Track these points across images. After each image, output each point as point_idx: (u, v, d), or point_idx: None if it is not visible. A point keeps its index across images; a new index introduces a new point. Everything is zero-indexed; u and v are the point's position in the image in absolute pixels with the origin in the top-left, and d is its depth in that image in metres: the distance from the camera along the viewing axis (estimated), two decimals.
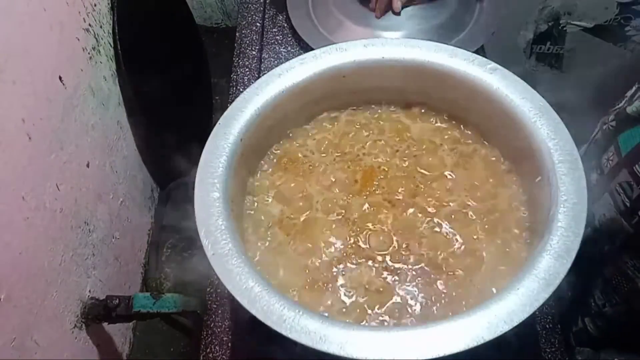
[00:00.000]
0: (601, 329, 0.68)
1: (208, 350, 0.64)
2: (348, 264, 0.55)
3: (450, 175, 0.60)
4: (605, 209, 0.62)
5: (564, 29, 0.96)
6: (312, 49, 0.63)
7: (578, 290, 0.70)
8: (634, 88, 0.64)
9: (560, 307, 0.65)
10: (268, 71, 0.61)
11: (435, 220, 0.57)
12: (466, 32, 0.84)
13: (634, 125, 0.59)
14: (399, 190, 0.59)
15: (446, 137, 0.63)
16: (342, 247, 0.56)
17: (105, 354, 1.04)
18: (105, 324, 1.01)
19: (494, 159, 0.61)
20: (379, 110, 0.66)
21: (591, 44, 0.96)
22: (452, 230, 0.56)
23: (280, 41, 0.90)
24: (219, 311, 0.66)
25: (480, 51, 0.83)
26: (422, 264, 0.54)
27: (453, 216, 0.57)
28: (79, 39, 0.98)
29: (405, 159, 0.62)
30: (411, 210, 0.58)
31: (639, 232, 0.59)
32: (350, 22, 0.86)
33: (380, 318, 0.51)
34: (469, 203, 0.58)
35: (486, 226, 0.56)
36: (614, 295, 0.66)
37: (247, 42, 0.90)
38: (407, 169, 0.61)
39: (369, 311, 0.52)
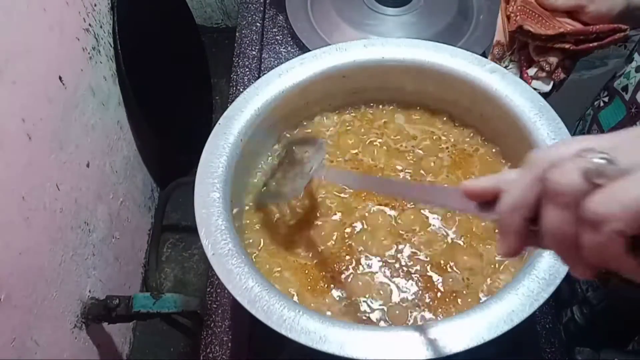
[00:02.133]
0: (586, 316, 0.69)
1: (208, 350, 0.64)
2: (349, 263, 0.55)
3: (450, 175, 0.60)
4: None
5: None
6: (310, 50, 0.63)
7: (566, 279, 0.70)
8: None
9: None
10: (268, 71, 0.61)
11: (435, 220, 0.57)
12: (463, 42, 0.84)
13: (613, 101, 0.59)
14: None
15: (446, 137, 0.63)
16: (342, 246, 0.56)
17: (105, 354, 1.04)
18: (105, 324, 1.01)
19: (493, 159, 0.61)
20: (379, 111, 0.66)
21: None
22: (452, 231, 0.56)
23: (280, 41, 0.90)
24: (219, 311, 0.66)
25: None
26: (423, 264, 0.54)
27: (452, 216, 0.57)
28: (79, 39, 0.98)
29: (404, 159, 0.62)
30: (410, 210, 0.58)
31: None
32: (347, 26, 0.86)
33: (382, 318, 0.51)
34: None
35: (486, 226, 0.56)
36: (594, 279, 0.66)
37: (247, 42, 0.90)
38: (407, 169, 0.61)
39: (370, 311, 0.52)
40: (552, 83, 0.62)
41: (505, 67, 0.63)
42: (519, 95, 0.56)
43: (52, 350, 0.84)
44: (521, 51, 0.62)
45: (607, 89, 0.62)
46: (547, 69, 0.61)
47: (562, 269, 0.44)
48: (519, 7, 0.59)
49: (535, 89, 0.62)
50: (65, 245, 0.89)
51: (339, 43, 0.62)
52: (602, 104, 0.61)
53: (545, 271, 0.44)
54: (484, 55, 0.70)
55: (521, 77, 0.63)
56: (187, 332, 1.20)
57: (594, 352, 0.61)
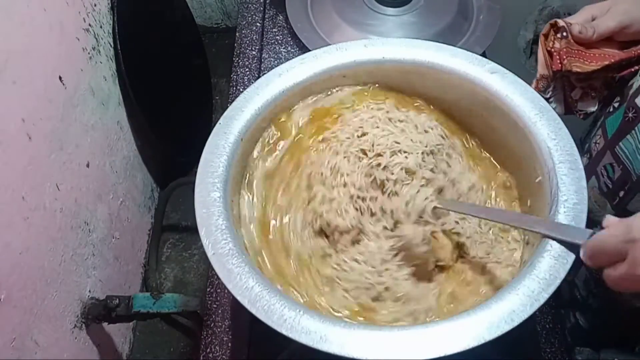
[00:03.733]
0: (590, 321, 0.68)
1: (208, 350, 0.64)
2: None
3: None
4: (591, 192, 0.62)
5: None
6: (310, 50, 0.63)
7: (566, 283, 0.70)
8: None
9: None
10: (268, 71, 0.61)
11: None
12: (463, 42, 0.84)
13: (621, 107, 0.59)
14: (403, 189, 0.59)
15: (447, 137, 0.63)
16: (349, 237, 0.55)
17: (105, 354, 1.04)
18: (105, 324, 1.01)
19: (494, 159, 0.61)
20: (379, 110, 0.66)
21: None
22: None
23: (280, 41, 0.90)
24: (219, 311, 0.66)
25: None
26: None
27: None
28: (79, 39, 0.98)
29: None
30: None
31: (619, 214, 0.59)
32: (347, 26, 0.86)
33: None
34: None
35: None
36: (595, 285, 0.66)
37: (247, 42, 0.90)
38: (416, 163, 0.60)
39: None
40: (597, 102, 0.62)
41: (549, 97, 0.62)
42: (519, 95, 0.56)
43: (52, 350, 0.84)
44: (563, 77, 0.62)
45: (620, 94, 0.61)
46: (592, 94, 0.61)
47: (562, 269, 0.44)
48: (563, 49, 0.59)
49: (581, 110, 0.62)
50: (65, 245, 0.89)
51: (339, 43, 0.62)
52: (612, 109, 0.61)
53: (545, 271, 0.44)
54: (484, 55, 0.70)
55: (566, 100, 0.62)
56: (187, 332, 1.20)
57: (594, 352, 0.62)
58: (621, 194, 0.58)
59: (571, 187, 0.49)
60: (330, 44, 0.63)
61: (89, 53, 1.01)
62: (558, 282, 0.44)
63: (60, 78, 0.90)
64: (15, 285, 0.74)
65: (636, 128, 0.55)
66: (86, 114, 0.98)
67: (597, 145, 0.62)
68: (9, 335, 0.72)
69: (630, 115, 0.56)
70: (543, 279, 0.44)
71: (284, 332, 0.43)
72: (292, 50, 0.89)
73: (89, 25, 1.02)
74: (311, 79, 0.61)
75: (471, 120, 0.63)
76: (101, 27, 1.07)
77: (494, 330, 0.42)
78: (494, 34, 0.85)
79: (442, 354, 0.41)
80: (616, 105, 0.60)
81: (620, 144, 0.57)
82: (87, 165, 0.98)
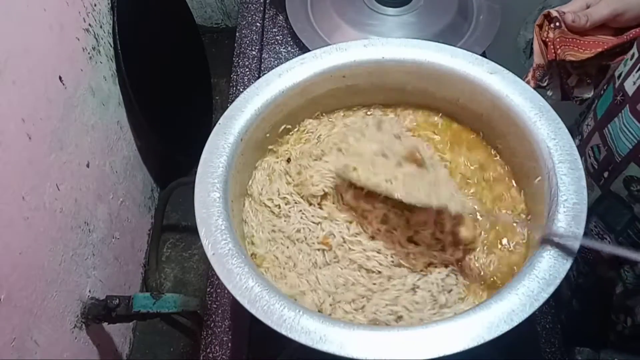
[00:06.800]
0: (582, 303, 0.69)
1: (208, 350, 0.64)
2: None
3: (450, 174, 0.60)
4: None
5: None
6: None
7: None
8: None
9: None
10: (268, 71, 0.61)
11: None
12: (463, 42, 0.85)
13: (608, 88, 0.59)
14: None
15: (445, 137, 0.63)
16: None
17: (105, 354, 1.04)
18: (105, 324, 1.01)
19: (494, 159, 0.61)
20: (378, 110, 0.66)
21: None
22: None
23: (280, 41, 0.90)
24: (219, 311, 0.66)
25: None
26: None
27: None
28: (79, 39, 0.98)
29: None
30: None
31: (605, 194, 0.59)
32: (348, 26, 0.86)
33: None
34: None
35: (487, 226, 0.56)
36: (584, 265, 0.67)
37: (247, 42, 0.90)
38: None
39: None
40: (592, 88, 0.62)
41: (546, 85, 0.63)
42: (519, 95, 0.56)
43: (52, 350, 0.84)
44: (559, 65, 0.62)
45: (610, 78, 0.62)
46: (587, 81, 0.62)
47: (562, 269, 0.44)
48: (557, 39, 0.60)
49: (577, 97, 0.63)
50: (65, 245, 0.89)
51: (339, 43, 0.62)
52: (602, 92, 0.61)
53: (545, 271, 0.44)
54: (484, 55, 0.70)
55: (562, 87, 0.63)
56: (187, 332, 1.20)
57: (594, 352, 0.62)
58: (605, 174, 0.59)
59: (571, 187, 0.49)
60: (330, 44, 0.63)
61: (89, 53, 1.01)
62: (558, 282, 0.44)
63: (60, 78, 0.90)
64: (15, 285, 0.74)
65: (622, 111, 0.55)
66: (86, 114, 0.99)
67: (588, 127, 0.63)
68: (9, 335, 0.72)
69: (618, 98, 0.56)
70: (543, 279, 0.44)
71: (284, 332, 0.43)
72: (292, 50, 0.89)
73: (89, 25, 1.02)
74: (311, 79, 0.60)
75: (471, 120, 0.63)
76: (101, 27, 1.07)
77: (493, 331, 0.42)
78: (494, 34, 0.85)
79: (441, 354, 0.41)
80: (605, 87, 0.61)
81: (608, 126, 0.58)
82: (87, 165, 0.98)
